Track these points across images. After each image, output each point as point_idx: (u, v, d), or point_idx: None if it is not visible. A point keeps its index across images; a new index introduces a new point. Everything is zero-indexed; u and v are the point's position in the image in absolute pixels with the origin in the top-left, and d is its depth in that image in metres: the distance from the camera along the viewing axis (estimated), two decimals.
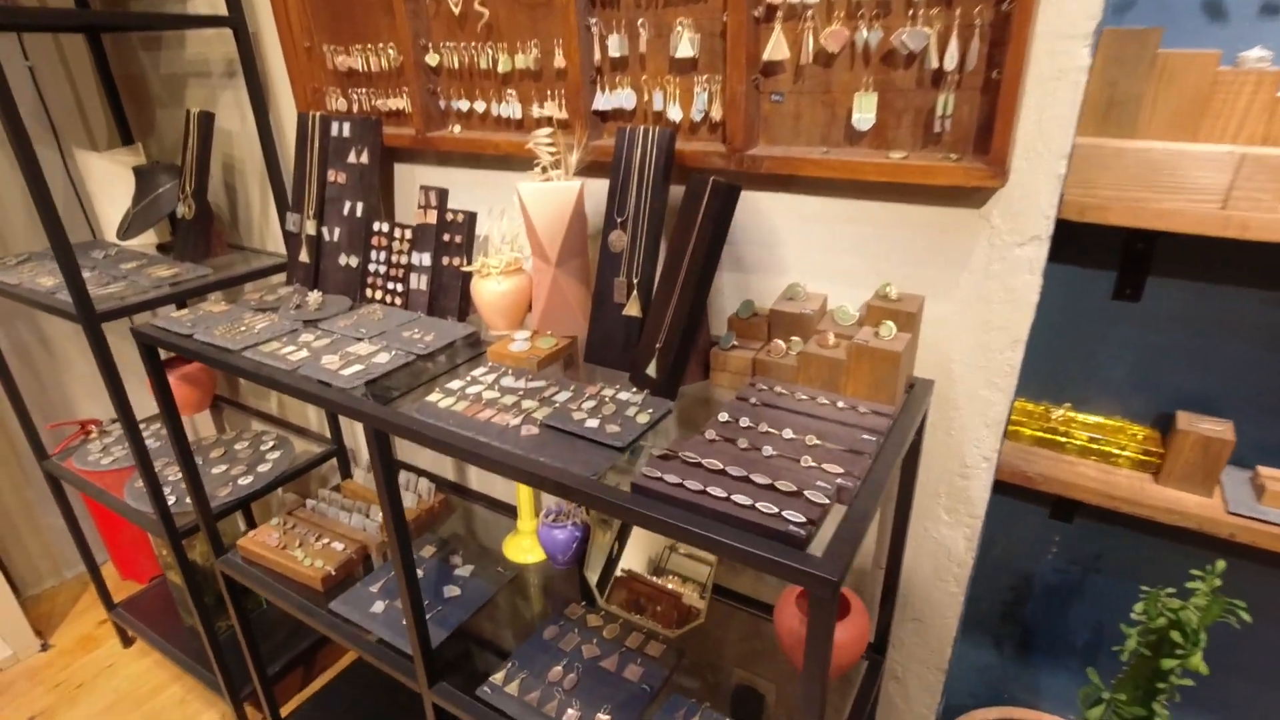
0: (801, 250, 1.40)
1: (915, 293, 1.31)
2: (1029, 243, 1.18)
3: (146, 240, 2.31)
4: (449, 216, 1.64)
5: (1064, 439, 1.45)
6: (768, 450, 1.06)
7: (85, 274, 1.98)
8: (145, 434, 2.41)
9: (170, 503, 2.05)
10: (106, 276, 1.96)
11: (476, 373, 1.37)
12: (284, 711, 2.20)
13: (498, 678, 1.51)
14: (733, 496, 0.96)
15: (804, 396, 1.21)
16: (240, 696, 2.21)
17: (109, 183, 2.28)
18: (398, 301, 1.71)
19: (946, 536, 1.47)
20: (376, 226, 1.75)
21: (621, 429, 1.15)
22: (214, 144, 2.10)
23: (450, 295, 1.64)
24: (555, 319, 1.52)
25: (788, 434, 1.10)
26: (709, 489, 0.97)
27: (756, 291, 1.48)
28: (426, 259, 1.66)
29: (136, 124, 2.59)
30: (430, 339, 1.51)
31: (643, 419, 1.18)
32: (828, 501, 0.95)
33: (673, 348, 1.25)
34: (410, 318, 1.63)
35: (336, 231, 1.79)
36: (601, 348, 1.42)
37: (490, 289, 1.51)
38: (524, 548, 1.88)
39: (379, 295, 1.74)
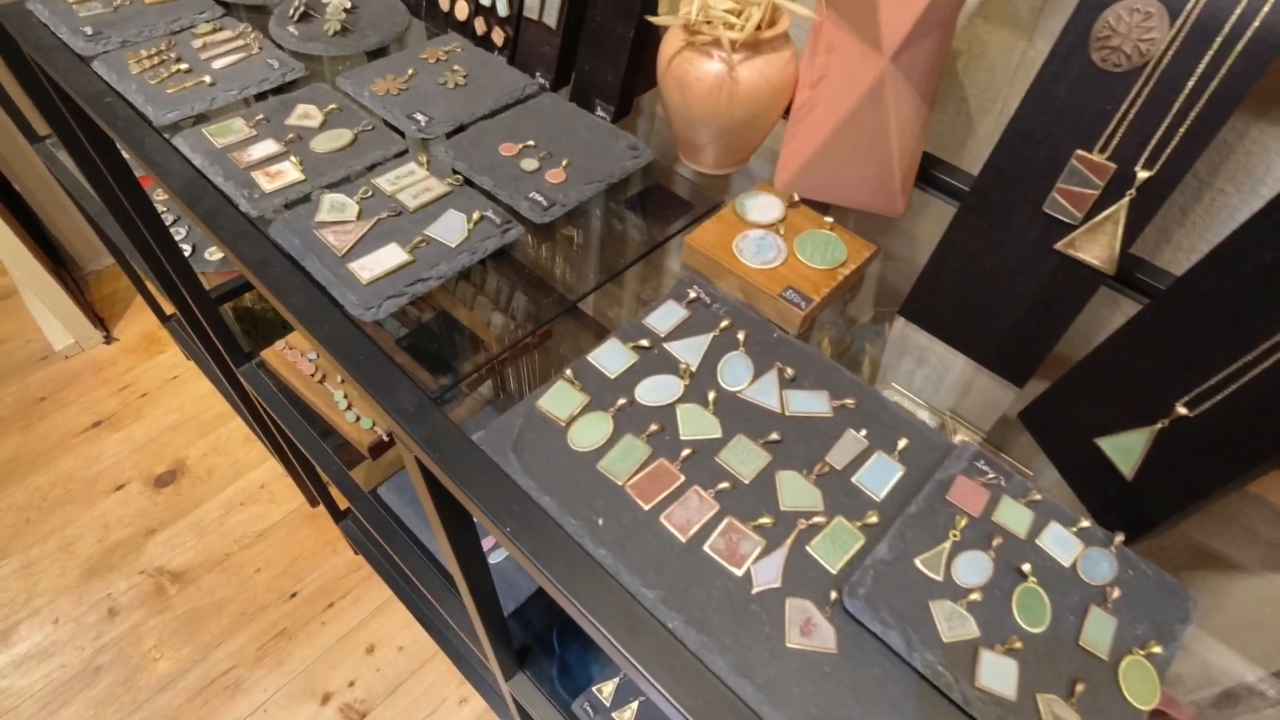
0: None
1: None
2: None
3: None
4: None
5: None
6: None
7: None
8: None
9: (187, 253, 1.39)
10: None
11: (656, 320, 0.53)
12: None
13: (605, 691, 0.96)
14: None
15: None
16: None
17: None
18: (496, 38, 0.78)
19: None
20: None
21: None
22: None
23: (606, 54, 0.71)
24: (836, 177, 0.62)
25: None
26: None
27: None
28: None
29: None
30: (559, 182, 0.62)
31: (1142, 692, 0.37)
32: None
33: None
34: (512, 88, 0.73)
35: None
36: (949, 304, 0.54)
37: (703, 74, 0.58)
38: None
39: (463, 14, 0.81)
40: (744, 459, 0.46)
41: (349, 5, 0.76)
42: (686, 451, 0.46)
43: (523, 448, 0.45)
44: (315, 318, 0.51)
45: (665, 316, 0.53)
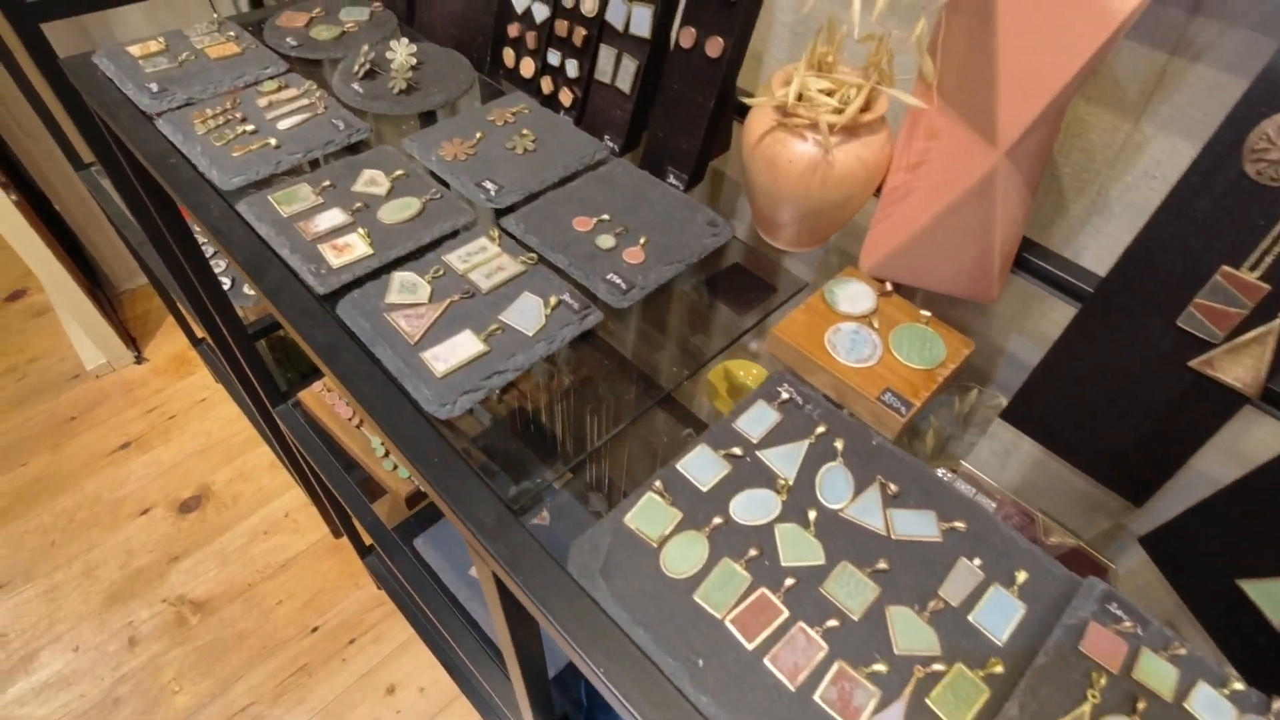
0: None
1: None
2: None
3: None
4: None
5: None
6: None
7: None
8: None
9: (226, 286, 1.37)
10: None
11: (747, 424, 0.50)
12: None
13: None
14: None
15: None
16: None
17: None
18: (564, 99, 0.76)
19: None
20: None
21: None
22: None
23: (683, 122, 0.68)
24: (930, 264, 0.58)
25: None
26: None
27: None
28: (640, 18, 0.67)
29: None
30: (638, 263, 0.59)
31: None
32: None
33: None
34: (582, 154, 0.70)
35: None
36: (1060, 413, 0.50)
37: (796, 156, 0.55)
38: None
39: (528, 72, 0.78)
40: (851, 591, 0.42)
41: (414, 62, 0.74)
42: (790, 581, 0.42)
43: (612, 571, 0.42)
44: (386, 412, 0.48)
45: (757, 420, 0.49)
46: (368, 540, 1.71)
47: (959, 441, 0.90)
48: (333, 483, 1.12)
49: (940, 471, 0.74)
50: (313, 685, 1.66)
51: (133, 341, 2.28)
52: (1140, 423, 0.47)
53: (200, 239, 1.38)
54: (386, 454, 1.13)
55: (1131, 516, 0.61)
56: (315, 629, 1.75)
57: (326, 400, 1.18)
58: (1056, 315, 0.75)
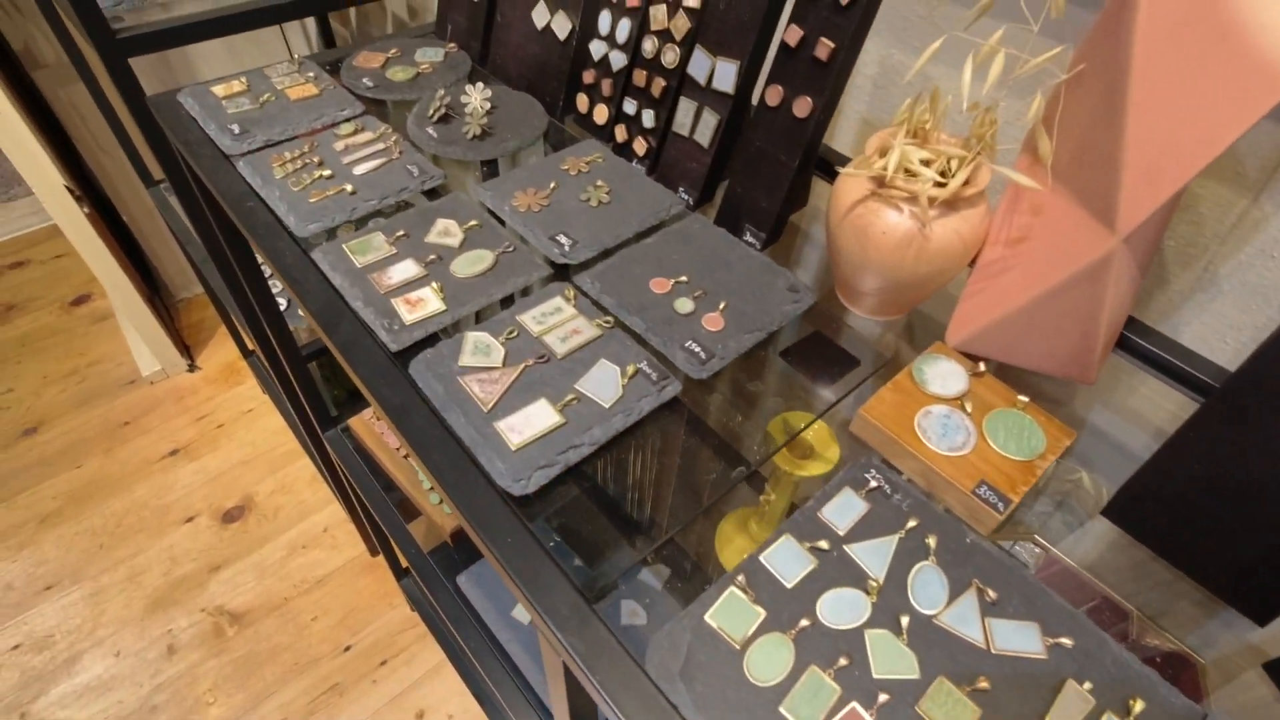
0: None
1: None
2: None
3: None
4: None
5: None
6: None
7: None
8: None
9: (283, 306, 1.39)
10: None
11: (833, 513, 0.47)
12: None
13: None
14: None
15: None
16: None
17: None
18: (638, 148, 0.75)
19: None
20: None
21: None
22: None
23: (764, 180, 0.66)
24: (1026, 343, 0.55)
25: None
26: None
27: None
28: (724, 73, 0.65)
29: None
30: (717, 330, 0.57)
31: None
32: None
33: None
34: (657, 207, 0.69)
35: None
36: (1173, 518, 0.46)
37: (890, 228, 0.52)
38: None
39: (601, 119, 0.77)
40: (949, 713, 0.39)
41: (489, 107, 0.74)
42: (883, 697, 0.39)
43: (694, 674, 0.39)
44: (457, 483, 0.47)
45: (843, 509, 0.46)
46: (404, 562, 1.71)
47: (1028, 510, 0.85)
48: (375, 509, 1.12)
49: (1010, 544, 0.70)
50: (344, 705, 1.66)
51: (187, 350, 2.34)
52: (1268, 536, 0.43)
53: (260, 257, 1.41)
54: (433, 487, 1.12)
55: (1240, 624, 0.56)
56: (348, 648, 1.75)
57: (375, 429, 1.19)
58: (1146, 390, 0.71)
